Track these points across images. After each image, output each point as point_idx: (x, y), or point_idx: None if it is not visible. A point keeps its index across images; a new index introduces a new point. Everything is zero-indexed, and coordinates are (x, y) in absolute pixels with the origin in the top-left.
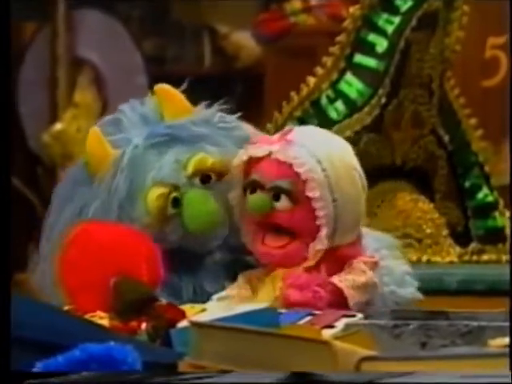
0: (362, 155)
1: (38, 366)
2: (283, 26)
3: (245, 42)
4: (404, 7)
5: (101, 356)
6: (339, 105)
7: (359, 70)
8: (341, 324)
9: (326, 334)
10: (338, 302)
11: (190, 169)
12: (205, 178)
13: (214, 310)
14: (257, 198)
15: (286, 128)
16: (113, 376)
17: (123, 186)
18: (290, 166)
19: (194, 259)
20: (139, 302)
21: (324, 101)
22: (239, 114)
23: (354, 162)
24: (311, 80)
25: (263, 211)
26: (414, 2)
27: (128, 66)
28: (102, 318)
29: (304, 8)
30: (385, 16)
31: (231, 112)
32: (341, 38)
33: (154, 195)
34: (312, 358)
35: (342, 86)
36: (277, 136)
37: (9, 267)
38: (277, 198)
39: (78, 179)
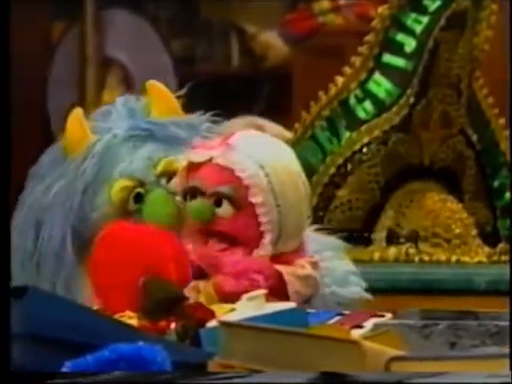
0: (390, 155)
1: (68, 366)
2: (311, 25)
3: (273, 41)
4: (432, 7)
5: (130, 356)
6: (367, 104)
7: (388, 70)
8: (369, 324)
9: (355, 334)
10: (278, 288)
11: (159, 168)
12: (172, 180)
13: (244, 309)
14: (197, 205)
15: (228, 132)
16: (142, 376)
17: (91, 171)
18: (232, 171)
19: None
20: (168, 301)
21: (352, 100)
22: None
23: (298, 168)
24: (339, 80)
25: (204, 218)
26: (443, 1)
27: (156, 66)
28: (131, 318)
29: (332, 8)
30: (413, 16)
31: (258, 114)
32: (369, 37)
33: (119, 186)
34: (341, 358)
35: (371, 86)
36: (218, 141)
37: (9, 267)
38: (218, 203)
39: (54, 158)
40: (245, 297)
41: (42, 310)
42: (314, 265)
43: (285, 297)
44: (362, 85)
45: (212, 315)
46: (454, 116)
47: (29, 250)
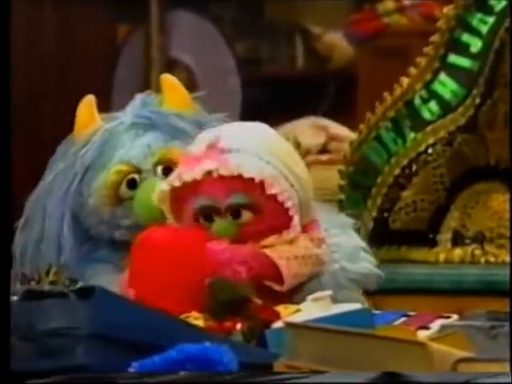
0: (455, 156)
1: (135, 366)
2: (376, 26)
3: (338, 42)
4: (498, 7)
5: (197, 356)
6: (433, 105)
7: (453, 71)
8: (436, 325)
9: (422, 335)
10: (271, 274)
11: (156, 156)
12: (167, 169)
13: (309, 310)
14: (220, 227)
15: (209, 139)
16: (209, 376)
17: (90, 155)
18: (238, 177)
19: None
20: (234, 302)
21: (417, 101)
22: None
23: (284, 141)
24: (405, 80)
25: (231, 235)
26: (509, 1)
27: (221, 68)
28: (197, 319)
29: (397, 8)
30: (479, 16)
31: (322, 114)
32: (435, 38)
33: (113, 170)
34: (407, 359)
35: (436, 87)
36: (202, 151)
37: (9, 267)
38: (238, 214)
39: (66, 146)
40: (310, 298)
41: (109, 311)
42: (319, 241)
43: (280, 279)
44: (428, 85)
45: (277, 316)
46: None
47: (35, 236)
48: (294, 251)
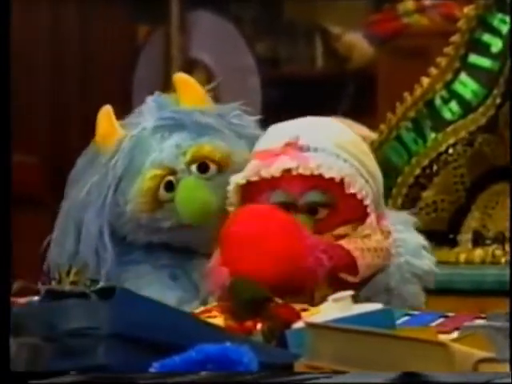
0: (476, 156)
1: (155, 366)
2: (396, 26)
3: (357, 42)
4: None
5: (217, 356)
6: (453, 105)
7: (474, 71)
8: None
9: (443, 336)
10: (347, 264)
11: (189, 155)
12: (202, 166)
13: (330, 310)
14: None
15: (288, 136)
16: (229, 376)
17: (121, 164)
18: (317, 176)
19: (185, 256)
20: (255, 302)
21: (438, 101)
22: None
23: (356, 135)
24: (425, 80)
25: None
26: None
27: (240, 68)
28: (218, 318)
29: (417, 8)
30: (499, 16)
31: (342, 114)
32: (455, 38)
33: (149, 175)
34: (429, 360)
35: (457, 87)
36: (280, 147)
37: (9, 267)
38: (314, 211)
39: (87, 159)
40: (331, 298)
41: (130, 311)
42: (388, 234)
43: (354, 271)
44: (448, 85)
45: (298, 316)
46: None
47: (70, 252)
48: (367, 243)
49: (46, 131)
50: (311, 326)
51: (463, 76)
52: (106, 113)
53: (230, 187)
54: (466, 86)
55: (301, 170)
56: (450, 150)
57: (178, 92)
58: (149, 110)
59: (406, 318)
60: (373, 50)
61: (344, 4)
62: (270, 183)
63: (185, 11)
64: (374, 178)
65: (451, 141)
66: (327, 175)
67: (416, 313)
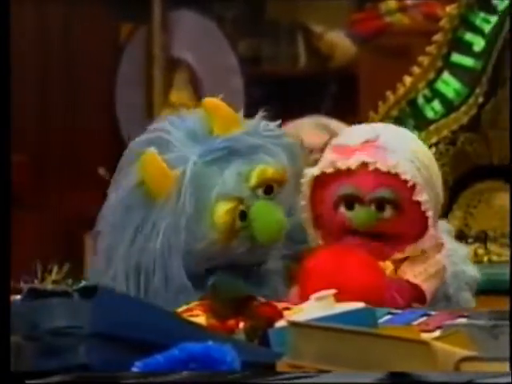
0: (458, 155)
1: (138, 366)
2: (378, 25)
3: (339, 41)
4: (501, 6)
5: (200, 355)
6: (436, 104)
7: (456, 70)
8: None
9: (425, 334)
10: (416, 297)
11: (254, 180)
12: (268, 188)
13: (312, 309)
14: (363, 214)
15: (368, 135)
16: (212, 375)
17: (189, 203)
18: (391, 174)
19: (248, 269)
20: (237, 300)
21: (421, 100)
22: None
23: (428, 150)
24: (407, 79)
25: (370, 225)
26: (510, 1)
27: (223, 67)
28: (200, 317)
29: (399, 7)
30: (482, 15)
31: (325, 113)
32: (437, 37)
33: (223, 210)
34: (411, 358)
35: (439, 86)
36: (358, 144)
37: (9, 267)
38: (381, 208)
39: (131, 204)
40: (313, 297)
41: (112, 310)
42: (442, 246)
43: (423, 300)
44: (431, 84)
45: (280, 315)
46: None
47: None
48: (429, 270)
49: (30, 130)
50: (294, 324)
51: (446, 75)
52: (154, 157)
53: (305, 179)
54: (449, 85)
55: (378, 165)
56: (433, 149)
57: (210, 117)
58: (182, 143)
59: (389, 316)
60: (355, 49)
61: (326, 3)
62: (341, 177)
63: (167, 10)
64: (438, 194)
65: (434, 140)
66: (403, 176)
67: (398, 311)
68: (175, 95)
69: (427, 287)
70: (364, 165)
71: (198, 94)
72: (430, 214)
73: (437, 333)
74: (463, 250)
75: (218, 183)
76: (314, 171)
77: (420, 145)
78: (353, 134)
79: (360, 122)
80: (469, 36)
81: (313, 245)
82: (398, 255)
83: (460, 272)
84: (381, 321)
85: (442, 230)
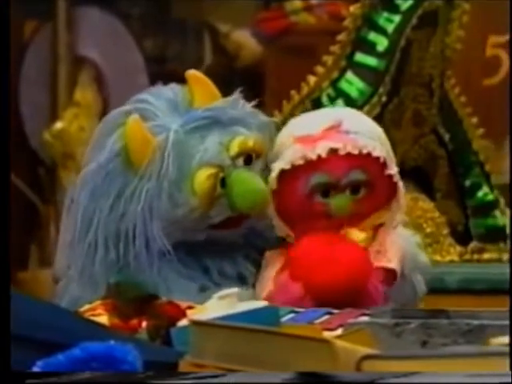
0: None
1: (39, 365)
2: (284, 24)
3: (245, 40)
4: (404, 6)
5: (101, 355)
6: (340, 103)
7: (360, 69)
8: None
9: (327, 332)
10: (390, 282)
11: (235, 150)
12: (247, 158)
13: (215, 308)
14: (340, 201)
15: (331, 121)
16: (113, 375)
17: (172, 168)
18: (361, 155)
19: (221, 248)
20: (139, 300)
21: (325, 99)
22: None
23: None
24: (312, 79)
25: (349, 209)
26: (415, 0)
27: (129, 65)
28: (102, 316)
29: (304, 7)
30: (385, 15)
31: None
32: (341, 36)
33: (204, 176)
34: (313, 356)
35: (343, 85)
36: (320, 132)
37: (8, 267)
38: (356, 191)
39: (111, 171)
40: (216, 296)
41: (16, 310)
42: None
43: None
44: (334, 84)
45: (183, 314)
46: (426, 115)
47: (113, 262)
48: (399, 247)
49: None
50: (195, 323)
51: (349, 74)
52: (137, 123)
53: (273, 174)
54: (352, 84)
55: (349, 149)
56: None
57: (192, 89)
58: (163, 112)
59: (292, 315)
60: (261, 48)
61: (232, 2)
62: (309, 167)
63: (72, 7)
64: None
65: None
66: (375, 154)
67: (301, 310)
68: (80, 94)
69: (398, 267)
70: (333, 151)
71: (103, 93)
72: (400, 183)
73: (339, 331)
74: (415, 237)
75: (199, 151)
76: (281, 165)
77: (373, 122)
78: (313, 123)
79: None
80: (372, 36)
81: (281, 234)
82: (376, 220)
83: (413, 254)
84: (283, 319)
85: None
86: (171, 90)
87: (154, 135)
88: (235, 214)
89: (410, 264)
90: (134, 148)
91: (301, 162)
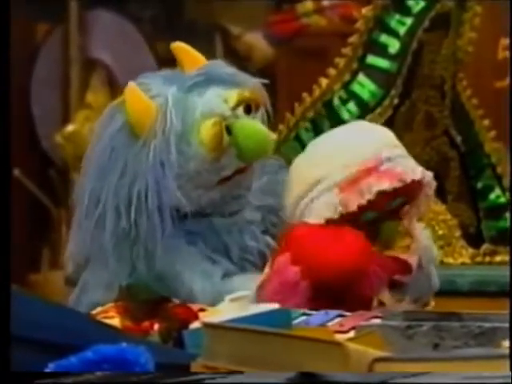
0: None
1: (50, 367)
2: (295, 27)
3: (257, 42)
4: (416, 8)
5: (113, 357)
6: (351, 106)
7: (372, 71)
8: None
9: (339, 335)
10: (401, 270)
11: (233, 100)
12: (247, 108)
13: (227, 310)
14: (392, 230)
15: (365, 157)
16: (125, 377)
17: (176, 122)
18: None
19: (224, 220)
20: (151, 302)
21: (336, 102)
22: None
23: None
24: (323, 81)
25: (396, 233)
26: (427, 3)
27: (140, 67)
28: (114, 319)
29: (316, 9)
30: (397, 17)
31: None
32: (353, 39)
33: (209, 124)
34: (325, 359)
35: (355, 87)
36: (361, 172)
37: (9, 267)
38: (397, 212)
39: (116, 145)
40: (228, 298)
41: (26, 312)
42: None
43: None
44: (346, 86)
45: (195, 316)
46: (437, 117)
47: (124, 233)
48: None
49: None
50: (208, 325)
51: (361, 77)
52: (135, 90)
53: (320, 220)
54: (364, 86)
55: (395, 185)
56: None
57: (180, 59)
58: (159, 84)
59: (304, 317)
60: (272, 51)
61: (244, 4)
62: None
63: (84, 10)
64: None
65: None
66: (416, 178)
67: (313, 312)
68: (91, 96)
69: (414, 260)
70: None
71: (114, 95)
72: (426, 178)
73: (351, 334)
74: (427, 231)
75: (200, 104)
76: (328, 214)
77: (384, 128)
78: (347, 160)
79: (276, 123)
80: (384, 38)
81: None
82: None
83: (429, 246)
84: (295, 322)
85: None
86: (164, 71)
87: (153, 101)
88: (243, 165)
89: (427, 256)
90: (135, 113)
91: (352, 209)
